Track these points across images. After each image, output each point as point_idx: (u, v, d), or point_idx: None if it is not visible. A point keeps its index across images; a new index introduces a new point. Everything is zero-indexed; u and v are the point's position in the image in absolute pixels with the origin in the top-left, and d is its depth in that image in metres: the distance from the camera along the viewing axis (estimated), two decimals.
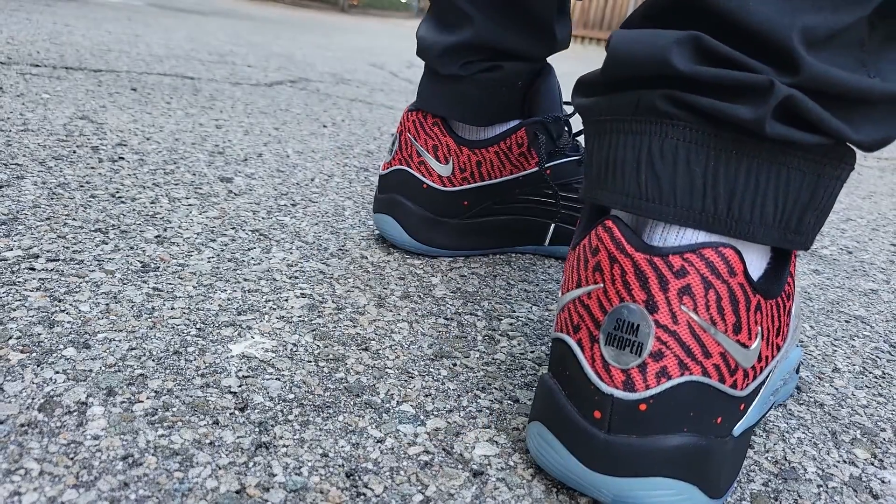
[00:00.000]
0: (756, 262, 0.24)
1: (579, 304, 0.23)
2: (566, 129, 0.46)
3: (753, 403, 0.25)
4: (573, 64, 2.99)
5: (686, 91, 0.21)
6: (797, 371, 0.33)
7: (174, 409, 0.27)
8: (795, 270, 0.26)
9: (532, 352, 0.36)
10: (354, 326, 0.36)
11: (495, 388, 0.32)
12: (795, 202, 0.22)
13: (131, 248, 0.42)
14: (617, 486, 0.22)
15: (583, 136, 0.29)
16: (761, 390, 0.25)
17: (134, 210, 0.48)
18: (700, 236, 0.22)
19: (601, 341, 0.22)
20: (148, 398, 0.27)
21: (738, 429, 0.24)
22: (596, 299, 0.22)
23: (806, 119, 0.21)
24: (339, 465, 0.25)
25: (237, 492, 0.23)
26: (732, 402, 0.23)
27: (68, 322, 0.32)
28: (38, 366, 0.28)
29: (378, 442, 0.27)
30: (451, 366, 0.34)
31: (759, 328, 0.23)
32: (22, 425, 0.25)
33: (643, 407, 0.22)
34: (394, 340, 0.35)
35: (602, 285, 0.22)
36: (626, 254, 0.22)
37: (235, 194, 0.56)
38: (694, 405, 0.22)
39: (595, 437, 0.22)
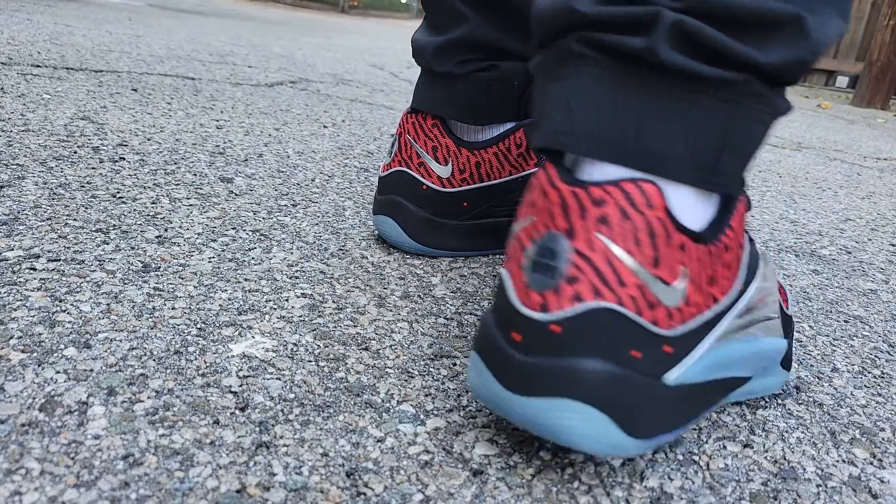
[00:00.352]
0: (694, 206, 0.24)
1: (514, 237, 0.24)
2: None
3: (691, 354, 0.24)
4: None
5: (593, 31, 0.22)
6: (785, 366, 0.32)
7: (175, 409, 0.27)
8: (743, 226, 0.25)
9: None
10: (355, 326, 0.36)
11: None
12: (707, 141, 0.23)
13: (132, 248, 0.42)
14: (530, 406, 0.23)
15: None
16: (702, 344, 0.24)
17: (135, 210, 0.48)
18: (625, 173, 0.23)
19: (527, 268, 0.23)
20: (149, 398, 0.27)
21: (671, 376, 0.24)
22: (526, 231, 0.24)
23: (706, 46, 0.21)
24: (340, 465, 0.25)
25: (238, 491, 0.23)
26: (653, 339, 0.23)
27: (69, 322, 0.32)
28: (38, 365, 0.28)
29: (378, 441, 0.27)
30: (451, 365, 0.34)
31: (685, 269, 0.23)
32: (23, 425, 0.25)
33: (556, 329, 0.22)
34: (394, 340, 0.35)
35: (534, 218, 0.23)
36: (555, 187, 0.23)
37: (236, 194, 0.56)
38: (608, 333, 0.22)
39: (512, 358, 0.23)
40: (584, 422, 0.23)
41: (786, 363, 0.32)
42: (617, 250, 0.22)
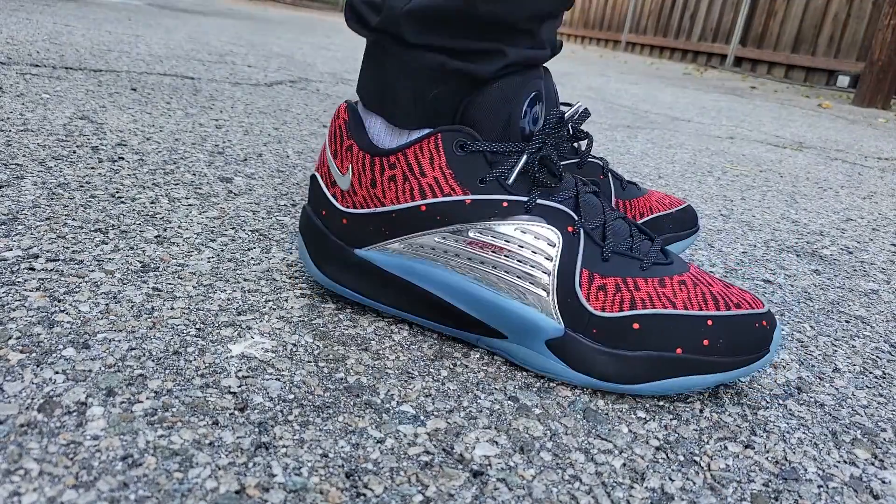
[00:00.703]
0: (385, 132, 0.34)
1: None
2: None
3: (380, 244, 0.34)
4: (572, 64, 2.99)
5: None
6: (574, 363, 0.32)
7: (174, 410, 0.27)
8: (421, 156, 0.32)
9: None
10: (354, 326, 0.36)
11: (495, 389, 0.32)
12: (377, 84, 0.34)
13: (131, 248, 0.42)
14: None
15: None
16: (390, 241, 0.33)
17: (134, 210, 0.48)
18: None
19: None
20: (147, 398, 0.27)
21: (359, 251, 0.35)
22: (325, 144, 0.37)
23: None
24: (339, 466, 0.25)
25: (237, 492, 0.23)
26: (335, 209, 0.35)
27: (68, 322, 0.32)
28: (37, 366, 0.28)
29: (378, 442, 0.27)
30: (452, 366, 0.33)
31: (350, 165, 0.34)
32: (21, 425, 0.25)
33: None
34: (394, 341, 0.35)
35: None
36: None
37: (235, 194, 0.56)
38: (313, 190, 0.37)
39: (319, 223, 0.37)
40: (299, 243, 0.38)
41: (555, 347, 0.32)
42: (326, 143, 0.36)
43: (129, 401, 0.27)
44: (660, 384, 0.32)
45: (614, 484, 0.26)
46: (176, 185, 0.56)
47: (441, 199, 0.32)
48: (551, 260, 0.32)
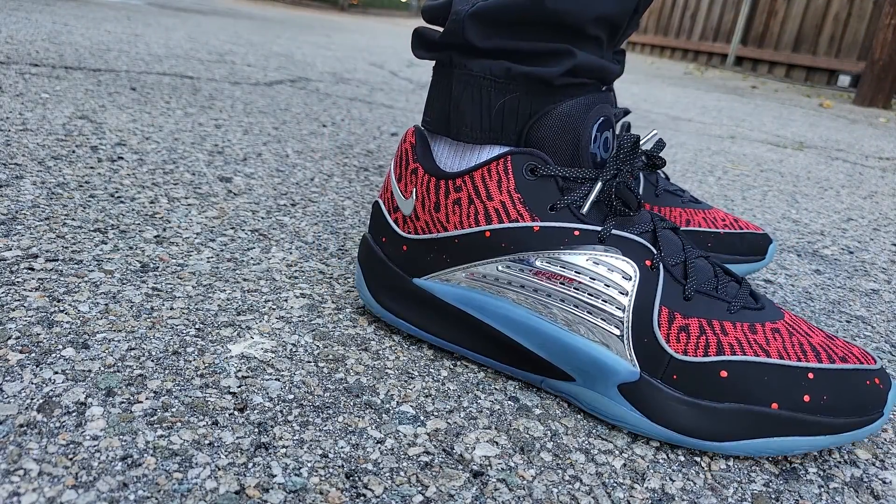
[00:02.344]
0: (450, 154, 0.33)
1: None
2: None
3: (422, 263, 0.33)
4: None
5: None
6: (641, 408, 0.29)
7: (173, 410, 0.27)
8: (490, 181, 0.31)
9: None
10: (354, 326, 0.36)
11: (496, 389, 0.32)
12: (442, 104, 0.32)
13: (130, 248, 0.42)
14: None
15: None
16: (450, 271, 0.32)
17: (133, 210, 0.48)
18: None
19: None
20: (147, 398, 0.27)
21: (417, 280, 0.33)
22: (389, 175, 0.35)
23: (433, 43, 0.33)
24: (339, 466, 0.25)
25: (236, 492, 0.23)
26: (396, 235, 0.34)
27: (67, 322, 0.32)
28: (37, 366, 0.28)
29: (378, 443, 0.27)
30: (452, 366, 0.33)
31: (415, 189, 0.33)
32: (21, 426, 0.25)
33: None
34: (394, 341, 0.35)
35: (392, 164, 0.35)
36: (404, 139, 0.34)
37: (235, 194, 0.56)
38: (375, 218, 0.36)
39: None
40: (356, 272, 0.37)
41: (629, 393, 0.29)
42: (391, 168, 0.35)
43: (128, 401, 0.27)
44: (753, 444, 0.28)
45: (615, 484, 0.26)
46: (175, 184, 0.56)
47: (507, 224, 0.30)
48: (626, 295, 0.29)
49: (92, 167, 0.56)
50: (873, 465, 0.30)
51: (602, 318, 0.29)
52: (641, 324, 0.29)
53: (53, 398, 0.26)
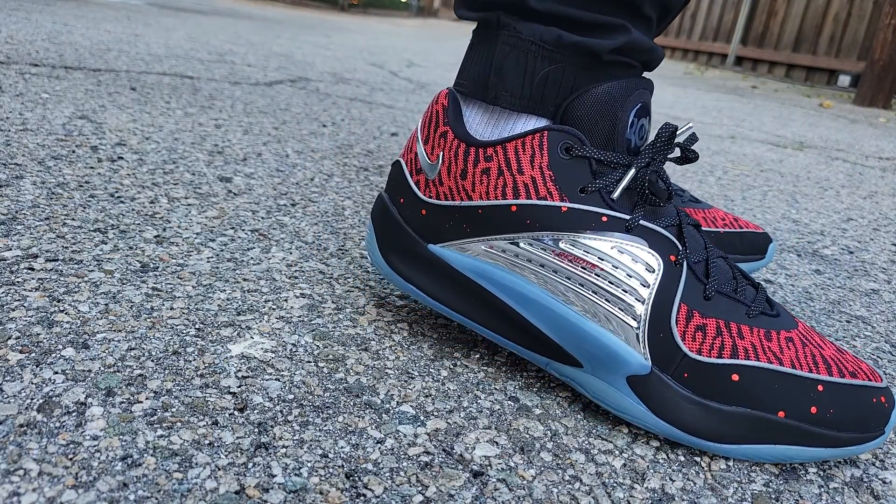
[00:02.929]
0: (484, 122, 0.32)
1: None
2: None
3: (441, 230, 0.32)
4: None
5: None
6: (650, 404, 0.28)
7: (173, 410, 0.27)
8: (521, 150, 0.29)
9: None
10: (354, 327, 0.36)
11: (496, 389, 0.32)
12: (480, 67, 0.31)
13: (130, 247, 0.42)
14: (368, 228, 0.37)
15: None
16: (467, 240, 0.31)
17: (133, 210, 0.48)
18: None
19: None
20: (147, 398, 0.27)
21: (433, 246, 0.32)
22: (415, 133, 0.34)
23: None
24: (339, 466, 0.25)
25: (236, 492, 0.23)
26: (415, 198, 0.33)
27: (67, 322, 0.32)
28: (36, 366, 0.28)
29: (378, 443, 0.27)
30: (452, 366, 0.33)
31: (442, 153, 0.31)
32: (21, 426, 0.25)
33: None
34: (394, 341, 0.35)
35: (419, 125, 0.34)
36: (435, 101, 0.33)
37: (235, 194, 0.56)
38: (393, 177, 0.35)
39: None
40: (368, 230, 0.36)
41: (637, 385, 0.28)
42: (417, 128, 0.34)
43: (128, 401, 0.27)
44: (754, 448, 0.28)
45: (615, 484, 0.26)
46: (175, 184, 0.56)
47: (535, 201, 0.29)
48: (648, 287, 0.28)
49: (92, 167, 0.56)
50: (873, 465, 0.30)
51: (620, 308, 0.28)
52: (659, 318, 0.28)
53: (53, 398, 0.26)
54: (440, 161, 0.31)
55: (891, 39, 2.54)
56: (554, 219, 0.29)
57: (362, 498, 0.24)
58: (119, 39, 1.43)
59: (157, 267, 0.40)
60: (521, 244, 0.30)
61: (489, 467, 0.26)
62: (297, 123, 0.88)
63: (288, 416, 0.28)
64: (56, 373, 0.28)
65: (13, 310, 0.32)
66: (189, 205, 0.51)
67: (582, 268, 0.29)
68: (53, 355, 0.29)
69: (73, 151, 0.60)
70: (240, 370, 0.30)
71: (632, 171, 0.29)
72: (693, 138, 0.31)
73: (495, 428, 0.29)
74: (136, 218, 0.47)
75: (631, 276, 0.28)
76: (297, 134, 0.82)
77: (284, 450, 0.25)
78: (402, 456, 0.26)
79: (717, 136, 1.32)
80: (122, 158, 0.60)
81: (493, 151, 0.30)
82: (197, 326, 0.33)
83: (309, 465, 0.25)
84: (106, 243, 0.42)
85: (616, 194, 0.29)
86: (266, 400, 0.28)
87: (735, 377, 0.28)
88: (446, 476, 0.25)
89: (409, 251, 0.33)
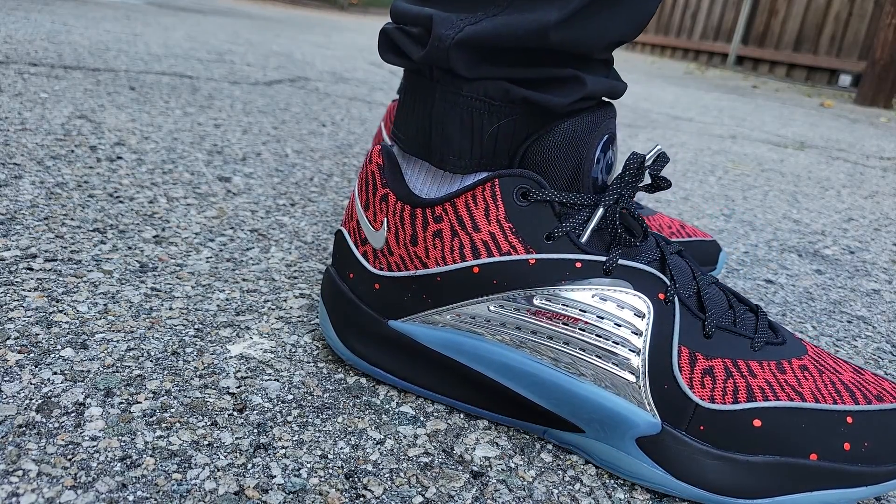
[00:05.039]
0: (428, 180, 0.29)
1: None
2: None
3: (399, 304, 0.28)
4: None
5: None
6: (657, 458, 0.26)
7: (172, 411, 0.27)
8: (475, 208, 0.26)
9: None
10: None
11: None
12: (421, 123, 0.28)
13: (129, 247, 0.42)
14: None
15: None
16: (434, 312, 0.28)
17: (132, 210, 0.48)
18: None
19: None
20: (146, 399, 0.27)
21: (394, 322, 0.29)
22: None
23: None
24: (339, 467, 0.25)
25: (236, 493, 0.23)
26: (365, 272, 0.29)
27: (66, 322, 0.32)
28: (35, 366, 0.28)
29: (378, 443, 0.27)
30: None
31: (386, 219, 0.28)
32: (20, 426, 0.25)
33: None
34: None
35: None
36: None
37: (234, 194, 0.56)
38: (338, 250, 0.31)
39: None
40: (321, 311, 0.32)
41: (648, 446, 0.25)
42: (355, 192, 0.31)
43: (127, 401, 0.27)
44: (791, 499, 0.25)
45: (615, 486, 0.26)
46: (174, 184, 0.55)
47: (498, 258, 0.26)
48: (640, 335, 0.25)
49: (91, 167, 0.56)
50: None
51: (614, 363, 0.25)
52: (660, 368, 0.25)
53: (52, 399, 0.26)
54: (385, 228, 0.28)
55: (892, 39, 2.53)
56: (522, 274, 0.26)
57: (362, 499, 0.24)
58: (118, 39, 1.43)
59: (156, 267, 0.40)
60: (492, 307, 0.26)
61: (489, 468, 0.26)
62: (296, 123, 0.88)
63: (287, 416, 0.27)
64: (55, 373, 0.28)
65: (12, 310, 0.32)
66: (188, 205, 0.51)
67: (563, 324, 0.25)
68: (52, 356, 0.29)
69: (72, 151, 0.60)
70: (239, 371, 0.30)
71: (600, 211, 0.26)
72: (663, 160, 0.28)
73: (495, 429, 0.29)
74: (135, 218, 0.47)
75: (620, 326, 0.25)
76: (296, 133, 0.82)
77: (284, 450, 0.25)
78: (402, 457, 0.26)
79: (717, 135, 1.32)
80: (120, 158, 0.60)
81: (443, 210, 0.27)
82: (196, 327, 0.33)
83: (308, 465, 0.25)
84: (105, 243, 0.42)
85: (585, 237, 0.26)
86: (265, 400, 0.28)
87: (757, 423, 0.25)
88: (446, 477, 0.25)
89: (369, 331, 0.29)
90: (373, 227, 0.29)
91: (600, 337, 0.25)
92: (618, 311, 0.25)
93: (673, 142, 1.17)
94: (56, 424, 0.25)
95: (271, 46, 1.80)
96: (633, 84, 2.27)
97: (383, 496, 0.24)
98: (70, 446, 0.24)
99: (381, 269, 0.29)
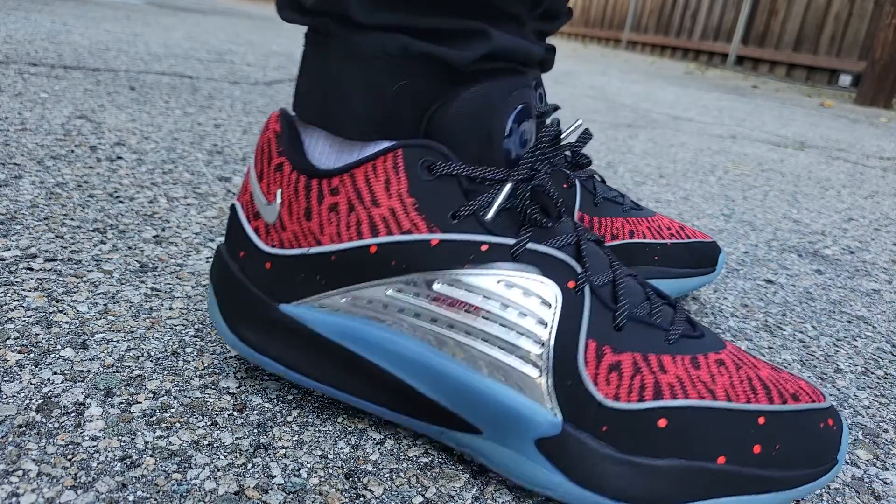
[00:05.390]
0: (328, 150, 0.26)
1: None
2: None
3: (291, 286, 0.26)
4: (573, 63, 2.98)
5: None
6: (558, 463, 0.23)
7: (172, 411, 0.27)
8: (372, 180, 0.24)
9: None
10: None
11: None
12: (321, 88, 0.25)
13: (129, 247, 0.42)
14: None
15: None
16: (325, 294, 0.25)
17: (132, 210, 0.48)
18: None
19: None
20: (146, 399, 0.27)
21: (285, 306, 0.26)
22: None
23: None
24: (339, 467, 0.25)
25: (236, 493, 0.23)
26: (256, 249, 0.27)
27: (66, 322, 0.32)
28: (35, 366, 0.28)
29: (378, 443, 0.27)
30: None
31: (280, 191, 0.26)
32: (20, 426, 0.25)
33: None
34: None
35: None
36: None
37: (234, 194, 0.55)
38: (231, 227, 0.28)
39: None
40: (209, 295, 0.29)
41: (549, 449, 0.23)
42: (251, 162, 0.28)
43: (127, 401, 0.27)
44: None
45: None
46: (174, 184, 0.55)
47: (398, 237, 0.23)
48: (546, 326, 0.23)
49: (91, 167, 0.56)
50: (874, 465, 0.30)
51: (517, 356, 0.23)
52: (564, 362, 0.23)
53: (52, 399, 0.26)
54: (278, 200, 0.26)
55: (892, 39, 2.54)
56: (423, 256, 0.23)
57: (362, 499, 0.24)
58: (118, 39, 1.43)
59: (157, 267, 0.40)
60: (390, 292, 0.24)
61: (489, 468, 0.26)
62: None
63: (287, 416, 0.27)
64: (55, 373, 0.28)
65: (12, 310, 0.32)
66: (188, 205, 0.51)
67: (465, 312, 0.23)
68: (52, 356, 0.29)
69: (72, 151, 0.60)
70: (239, 371, 0.30)
71: (507, 187, 0.24)
72: (585, 136, 0.25)
73: None
74: (135, 218, 0.47)
75: (524, 315, 0.23)
76: None
77: (284, 451, 0.25)
78: (402, 457, 0.26)
79: (717, 135, 1.32)
80: (121, 158, 0.60)
81: (340, 182, 0.24)
82: (196, 327, 0.33)
83: (308, 465, 0.25)
84: (105, 243, 0.42)
85: (489, 216, 0.24)
86: (265, 401, 0.28)
87: (662, 423, 0.23)
88: (446, 477, 0.25)
89: (259, 316, 0.27)
90: (266, 199, 0.26)
91: (504, 327, 0.23)
92: (523, 300, 0.23)
93: (673, 142, 1.17)
94: (56, 424, 0.25)
95: (271, 46, 1.80)
96: (633, 84, 2.27)
97: (383, 496, 0.24)
98: (70, 446, 0.24)
99: (273, 246, 0.26)
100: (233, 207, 0.28)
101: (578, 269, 0.24)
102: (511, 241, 0.24)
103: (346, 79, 0.24)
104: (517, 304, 0.23)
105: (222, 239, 0.46)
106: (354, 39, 0.24)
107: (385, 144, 0.24)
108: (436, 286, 0.24)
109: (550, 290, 0.24)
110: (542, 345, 0.23)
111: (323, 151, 0.26)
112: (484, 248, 0.24)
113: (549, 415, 0.23)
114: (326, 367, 0.26)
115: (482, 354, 0.24)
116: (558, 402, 0.23)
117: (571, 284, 0.24)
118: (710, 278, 0.44)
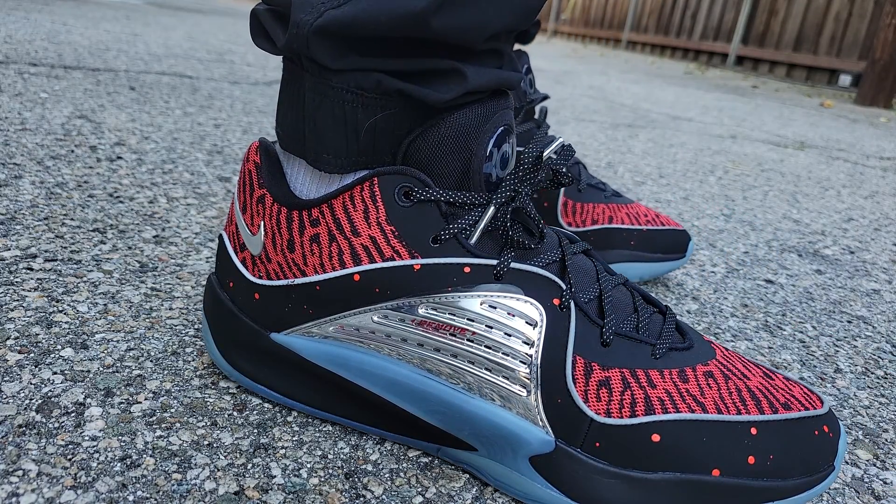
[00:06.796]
0: (308, 180, 0.26)
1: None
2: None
3: (279, 315, 0.26)
4: (573, 63, 2.98)
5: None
6: (546, 474, 0.24)
7: (172, 411, 0.27)
8: (350, 209, 0.24)
9: None
10: None
11: None
12: (298, 119, 0.25)
13: (129, 247, 0.42)
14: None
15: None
16: (315, 322, 0.26)
17: (132, 210, 0.48)
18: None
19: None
20: (146, 399, 0.27)
21: (276, 335, 0.27)
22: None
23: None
24: (339, 467, 0.25)
25: (236, 493, 0.23)
26: (244, 280, 0.27)
27: (66, 322, 0.32)
28: (35, 366, 0.28)
29: (378, 443, 0.27)
30: None
31: (263, 223, 0.26)
32: (20, 426, 0.25)
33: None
34: None
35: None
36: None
37: (234, 193, 0.56)
38: (220, 257, 0.29)
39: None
40: (203, 324, 0.30)
41: (542, 465, 0.24)
42: (235, 194, 0.28)
43: (127, 401, 0.27)
44: None
45: None
46: (174, 184, 0.55)
47: (380, 264, 0.24)
48: (532, 345, 0.23)
49: (91, 167, 0.56)
50: (874, 465, 0.30)
51: (504, 376, 0.23)
52: (553, 381, 0.23)
53: (52, 399, 0.26)
54: (262, 232, 0.26)
55: (892, 39, 2.54)
56: (407, 281, 0.24)
57: (362, 499, 0.24)
58: (118, 39, 1.43)
59: (156, 267, 0.40)
60: (375, 318, 0.24)
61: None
62: None
63: (287, 416, 0.27)
64: (55, 373, 0.28)
65: (12, 310, 0.32)
66: (188, 205, 0.51)
67: (451, 335, 0.24)
68: (52, 356, 0.29)
69: (72, 151, 0.60)
70: None
71: (490, 210, 0.24)
72: (567, 153, 0.25)
73: None
74: (135, 218, 0.47)
75: (510, 336, 0.23)
76: None
77: (284, 451, 0.25)
78: (402, 457, 0.26)
79: (717, 135, 1.32)
80: (120, 158, 0.60)
81: (320, 213, 0.24)
82: (196, 327, 0.33)
83: (308, 465, 0.25)
84: (105, 243, 0.42)
85: (474, 239, 0.24)
86: (265, 401, 0.28)
87: (656, 437, 0.23)
88: (446, 477, 0.25)
89: (251, 344, 0.27)
90: (250, 231, 0.27)
91: (490, 349, 0.23)
92: (507, 320, 0.23)
93: (673, 142, 1.17)
94: (56, 424, 0.25)
95: None
96: (633, 84, 2.27)
97: (383, 496, 0.24)
98: (70, 446, 0.24)
99: (261, 277, 0.27)
100: (220, 238, 0.29)
101: (563, 285, 0.24)
102: (493, 262, 0.24)
103: (321, 113, 0.24)
104: (502, 325, 0.23)
105: None
106: (327, 75, 0.24)
107: (363, 173, 0.25)
108: (421, 310, 0.24)
109: (535, 309, 0.24)
110: (529, 364, 0.23)
111: (304, 181, 0.26)
112: (467, 269, 0.24)
113: (541, 433, 0.23)
114: (320, 393, 0.27)
115: (471, 375, 0.24)
116: (549, 420, 0.23)
117: (556, 302, 0.24)
118: (678, 263, 0.48)
